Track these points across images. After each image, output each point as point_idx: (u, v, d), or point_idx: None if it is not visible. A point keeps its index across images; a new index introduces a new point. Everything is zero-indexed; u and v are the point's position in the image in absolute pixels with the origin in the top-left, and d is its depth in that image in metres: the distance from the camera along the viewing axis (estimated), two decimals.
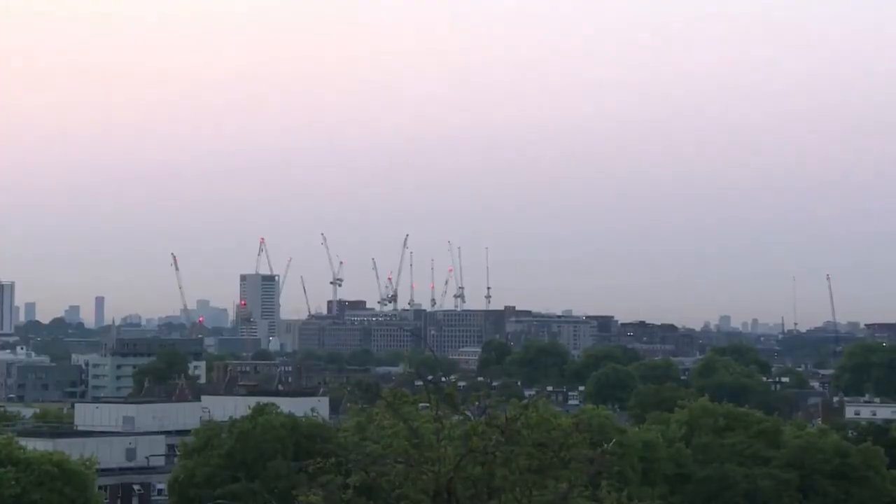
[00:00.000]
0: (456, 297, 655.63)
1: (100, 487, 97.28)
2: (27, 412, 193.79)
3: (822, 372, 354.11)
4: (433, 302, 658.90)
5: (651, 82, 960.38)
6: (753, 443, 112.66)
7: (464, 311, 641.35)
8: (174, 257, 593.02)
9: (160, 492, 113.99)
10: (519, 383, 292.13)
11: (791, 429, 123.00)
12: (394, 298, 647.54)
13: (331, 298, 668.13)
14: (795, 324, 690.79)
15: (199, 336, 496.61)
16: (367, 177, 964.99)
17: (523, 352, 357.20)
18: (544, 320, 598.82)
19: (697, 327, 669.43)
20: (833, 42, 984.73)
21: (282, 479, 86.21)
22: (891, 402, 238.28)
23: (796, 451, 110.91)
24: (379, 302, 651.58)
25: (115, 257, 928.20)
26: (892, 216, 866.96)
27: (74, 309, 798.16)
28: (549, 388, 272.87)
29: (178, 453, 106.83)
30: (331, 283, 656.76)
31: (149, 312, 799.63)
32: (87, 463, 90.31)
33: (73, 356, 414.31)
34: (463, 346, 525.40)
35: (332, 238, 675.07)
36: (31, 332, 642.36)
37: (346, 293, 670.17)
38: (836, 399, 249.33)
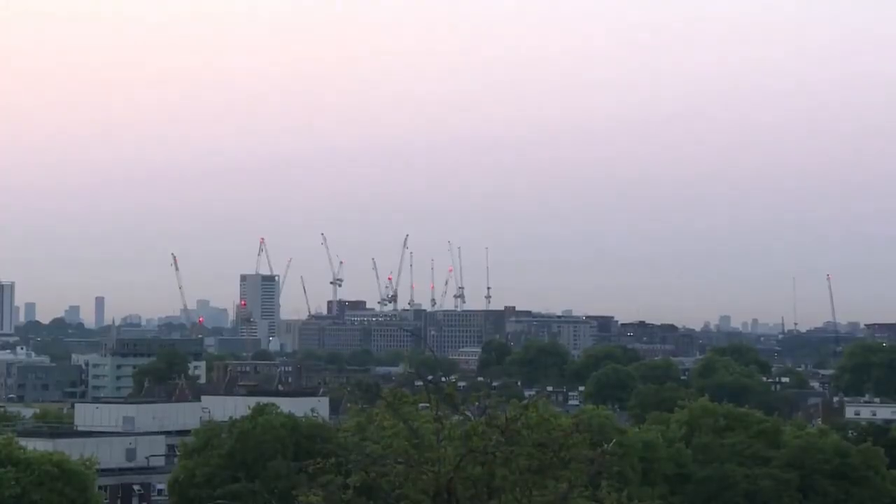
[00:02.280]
0: (456, 297, 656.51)
1: (100, 487, 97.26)
2: (27, 412, 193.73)
3: (822, 372, 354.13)
4: (433, 302, 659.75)
5: (651, 82, 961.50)
6: (753, 443, 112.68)
7: (464, 311, 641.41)
8: (174, 257, 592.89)
9: (160, 492, 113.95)
10: (519, 383, 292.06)
11: (791, 429, 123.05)
12: (394, 298, 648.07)
13: (331, 298, 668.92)
14: (795, 324, 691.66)
15: (199, 336, 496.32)
16: (367, 177, 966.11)
17: (523, 352, 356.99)
18: (544, 320, 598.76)
19: (697, 327, 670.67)
20: (833, 42, 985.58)
21: (282, 479, 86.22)
22: (891, 402, 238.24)
23: (796, 451, 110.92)
24: (379, 302, 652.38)
25: (115, 257, 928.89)
26: (892, 216, 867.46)
27: (74, 309, 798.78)
28: (549, 388, 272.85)
29: (178, 453, 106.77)
30: (331, 283, 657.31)
31: (149, 312, 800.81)
32: (87, 463, 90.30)
33: (73, 356, 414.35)
34: (463, 347, 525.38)
35: (332, 238, 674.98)
36: (31, 332, 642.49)
37: (346, 293, 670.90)
38: (836, 399, 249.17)
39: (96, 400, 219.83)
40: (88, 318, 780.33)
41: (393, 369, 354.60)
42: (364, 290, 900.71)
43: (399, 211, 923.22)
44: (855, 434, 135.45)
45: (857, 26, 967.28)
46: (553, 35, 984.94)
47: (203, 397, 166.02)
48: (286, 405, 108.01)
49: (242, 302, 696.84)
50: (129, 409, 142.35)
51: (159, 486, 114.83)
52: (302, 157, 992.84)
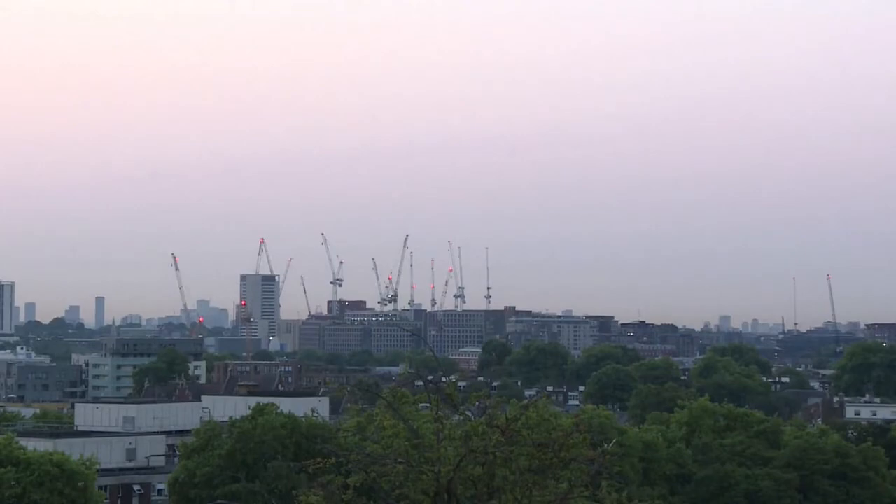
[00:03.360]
0: (456, 297, 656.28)
1: (100, 487, 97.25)
2: (27, 412, 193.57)
3: (822, 372, 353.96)
4: (433, 302, 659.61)
5: (651, 82, 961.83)
6: (753, 443, 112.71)
7: (464, 311, 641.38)
8: (174, 257, 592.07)
9: (160, 492, 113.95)
10: (519, 383, 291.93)
11: (791, 429, 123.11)
12: (394, 298, 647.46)
13: (331, 298, 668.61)
14: (795, 324, 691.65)
15: (200, 336, 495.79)
16: (367, 177, 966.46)
17: (523, 352, 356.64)
18: (544, 320, 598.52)
19: (697, 327, 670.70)
20: (834, 42, 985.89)
21: (282, 479, 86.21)
22: (891, 402, 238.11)
23: (796, 452, 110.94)
24: (379, 302, 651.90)
25: (115, 257, 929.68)
26: (892, 216, 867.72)
27: (74, 309, 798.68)
28: (550, 389, 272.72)
29: (178, 453, 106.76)
30: (331, 283, 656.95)
31: (149, 312, 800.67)
32: (87, 463, 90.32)
33: (73, 356, 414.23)
34: (463, 347, 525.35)
35: (332, 238, 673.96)
36: (31, 332, 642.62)
37: (346, 293, 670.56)
38: (836, 399, 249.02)
39: (96, 400, 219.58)
40: (88, 318, 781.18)
41: (393, 369, 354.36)
42: (364, 290, 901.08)
43: (399, 211, 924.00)
44: (855, 434, 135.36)
45: (857, 26, 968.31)
46: (552, 35, 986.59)
47: (203, 397, 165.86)
48: (286, 405, 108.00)
49: (242, 302, 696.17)
50: (130, 409, 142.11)
51: (159, 486, 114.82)
52: (302, 157, 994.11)
